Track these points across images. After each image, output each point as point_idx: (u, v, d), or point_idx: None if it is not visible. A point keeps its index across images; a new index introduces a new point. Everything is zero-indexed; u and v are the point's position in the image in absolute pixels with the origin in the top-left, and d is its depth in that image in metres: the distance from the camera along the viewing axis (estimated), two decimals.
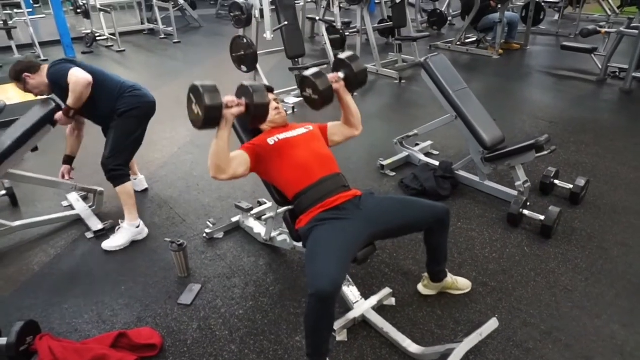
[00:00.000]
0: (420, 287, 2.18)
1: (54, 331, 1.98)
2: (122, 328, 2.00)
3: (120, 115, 2.59)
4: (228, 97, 1.72)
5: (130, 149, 2.69)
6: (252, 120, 1.81)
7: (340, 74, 2.02)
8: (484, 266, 2.35)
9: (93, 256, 2.52)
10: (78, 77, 2.42)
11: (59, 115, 2.56)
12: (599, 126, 4.05)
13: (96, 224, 2.72)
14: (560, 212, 2.52)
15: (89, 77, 2.44)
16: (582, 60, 5.70)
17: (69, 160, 2.84)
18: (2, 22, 6.91)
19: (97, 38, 7.98)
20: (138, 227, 2.64)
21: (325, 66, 5.10)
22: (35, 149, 2.71)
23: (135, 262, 2.46)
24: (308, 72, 1.95)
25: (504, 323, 1.98)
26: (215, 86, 1.66)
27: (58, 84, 2.49)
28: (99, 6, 7.61)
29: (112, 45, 7.78)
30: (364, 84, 2.06)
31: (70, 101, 2.44)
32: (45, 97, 2.63)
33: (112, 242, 2.57)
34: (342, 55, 2.04)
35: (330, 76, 1.98)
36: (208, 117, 1.64)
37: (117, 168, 2.59)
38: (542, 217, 2.54)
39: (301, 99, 4.70)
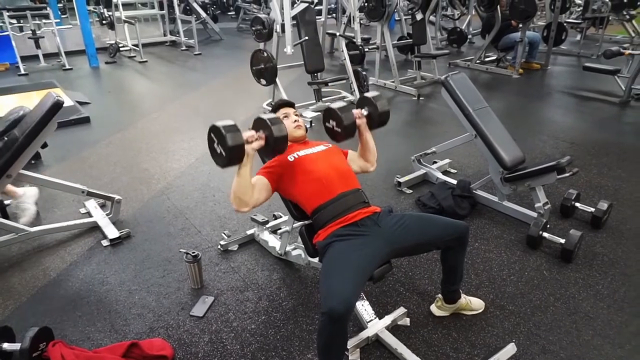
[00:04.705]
0: (434, 308, 2.13)
1: (66, 338, 1.98)
2: (134, 338, 1.99)
3: None
4: (247, 133, 1.74)
5: None
6: (272, 152, 1.84)
7: (364, 111, 2.04)
8: (502, 289, 2.29)
9: (108, 264, 2.54)
10: None
11: None
12: (622, 149, 3.97)
13: (113, 232, 2.74)
14: (581, 236, 2.46)
15: None
16: (604, 81, 5.62)
17: None
18: (31, 32, 7.13)
19: (121, 49, 8.17)
20: None
21: (344, 82, 5.14)
22: (44, 146, 2.72)
23: (149, 272, 2.46)
24: (334, 105, 1.96)
25: (522, 349, 1.92)
26: (235, 126, 1.68)
27: None
28: (123, 18, 7.81)
29: (134, 56, 7.95)
30: (385, 123, 2.08)
31: None
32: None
33: None
34: (369, 94, 2.06)
35: (354, 112, 2.00)
36: (231, 157, 1.67)
37: None
38: (562, 241, 2.48)
39: (319, 113, 4.75)
